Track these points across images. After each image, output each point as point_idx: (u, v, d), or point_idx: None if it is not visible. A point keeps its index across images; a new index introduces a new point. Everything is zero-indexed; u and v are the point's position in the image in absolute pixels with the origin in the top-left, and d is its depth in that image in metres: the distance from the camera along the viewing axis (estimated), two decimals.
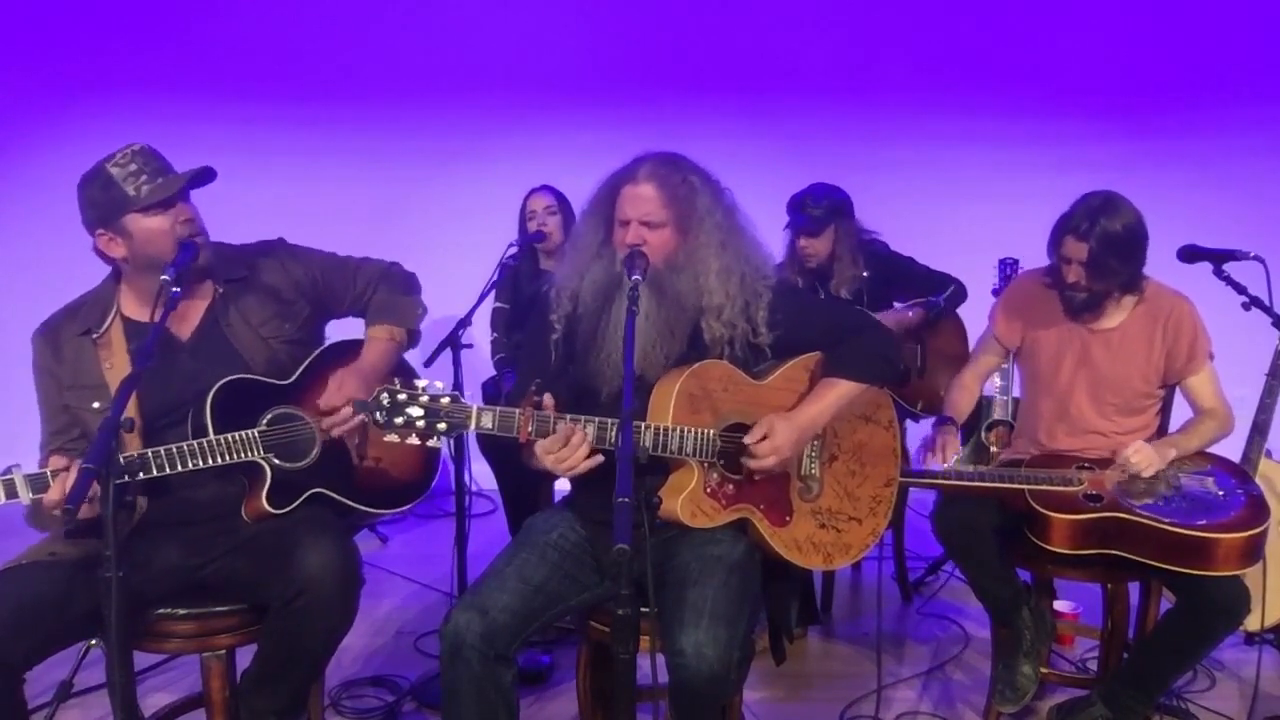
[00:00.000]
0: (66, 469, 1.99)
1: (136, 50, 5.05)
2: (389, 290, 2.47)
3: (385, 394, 1.88)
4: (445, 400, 1.90)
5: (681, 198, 2.11)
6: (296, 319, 2.35)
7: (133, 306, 2.26)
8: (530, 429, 1.95)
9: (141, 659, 2.53)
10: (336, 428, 2.22)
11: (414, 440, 1.90)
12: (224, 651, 2.22)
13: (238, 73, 5.07)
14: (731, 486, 2.12)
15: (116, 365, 2.19)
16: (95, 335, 2.21)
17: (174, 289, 2.10)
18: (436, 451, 2.48)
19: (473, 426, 1.92)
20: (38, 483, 1.99)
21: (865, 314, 3.43)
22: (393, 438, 1.89)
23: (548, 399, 1.99)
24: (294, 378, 2.30)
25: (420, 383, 1.91)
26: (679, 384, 2.06)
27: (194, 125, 5.02)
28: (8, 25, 5.03)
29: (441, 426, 1.89)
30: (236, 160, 4.94)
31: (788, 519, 2.19)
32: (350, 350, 2.40)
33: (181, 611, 2.18)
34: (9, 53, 5.03)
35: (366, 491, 2.36)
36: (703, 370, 2.10)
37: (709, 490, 2.09)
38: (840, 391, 2.19)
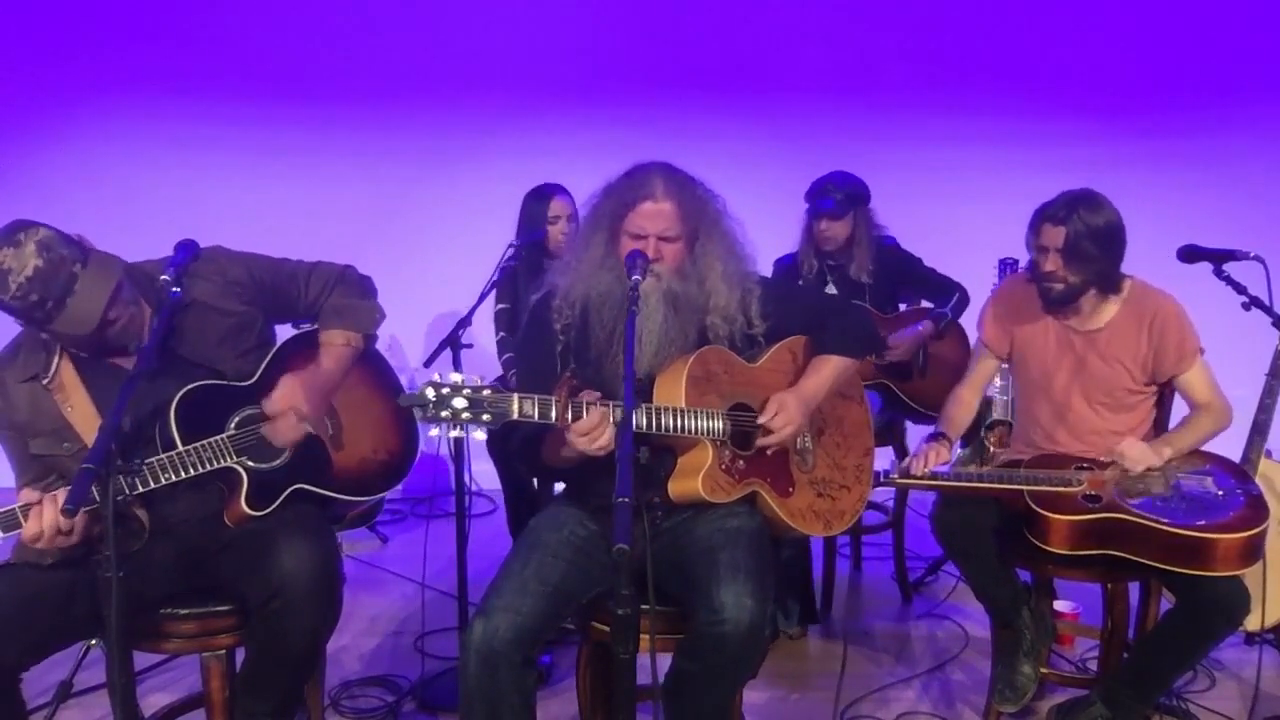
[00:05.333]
0: (39, 503, 1.96)
1: (137, 51, 5.05)
2: (344, 294, 2.40)
3: (431, 388, 1.91)
4: (487, 391, 1.94)
5: (695, 211, 2.23)
6: (253, 327, 2.31)
7: (67, 337, 2.14)
8: (568, 415, 2.00)
9: (141, 659, 2.54)
10: (279, 437, 2.18)
11: (457, 433, 1.94)
12: (224, 651, 2.23)
13: (237, 72, 5.07)
14: (742, 462, 2.22)
15: (76, 404, 2.13)
16: (45, 381, 2.13)
17: (174, 289, 2.10)
18: (415, 429, 2.51)
19: (515, 414, 1.96)
20: (7, 520, 1.97)
21: (840, 298, 3.48)
22: (436, 431, 1.93)
23: (589, 393, 2.05)
24: (256, 377, 2.27)
25: (457, 376, 1.94)
26: (686, 369, 2.16)
27: (194, 125, 5.05)
28: (5, 26, 5.03)
29: (486, 417, 1.93)
30: (236, 160, 5.03)
31: (791, 490, 2.29)
32: (309, 343, 2.37)
33: (182, 611, 2.19)
34: (7, 53, 5.03)
35: (348, 480, 2.36)
36: (704, 355, 2.22)
37: (724, 467, 2.19)
38: (834, 366, 2.35)
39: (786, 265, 3.77)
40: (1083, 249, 2.56)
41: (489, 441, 3.49)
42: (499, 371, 3.82)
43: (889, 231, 3.80)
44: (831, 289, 3.69)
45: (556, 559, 2.16)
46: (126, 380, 1.93)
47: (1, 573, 2.09)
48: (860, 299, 3.62)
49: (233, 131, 5.04)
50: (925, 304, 3.78)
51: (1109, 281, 2.66)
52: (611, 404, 2.04)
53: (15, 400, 2.15)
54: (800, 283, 3.67)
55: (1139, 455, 2.57)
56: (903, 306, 3.83)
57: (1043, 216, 2.62)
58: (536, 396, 1.99)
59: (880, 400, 3.63)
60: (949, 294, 3.67)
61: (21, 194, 4.83)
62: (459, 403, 1.91)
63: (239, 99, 5.06)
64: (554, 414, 2.00)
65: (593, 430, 1.99)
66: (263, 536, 2.13)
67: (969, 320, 3.68)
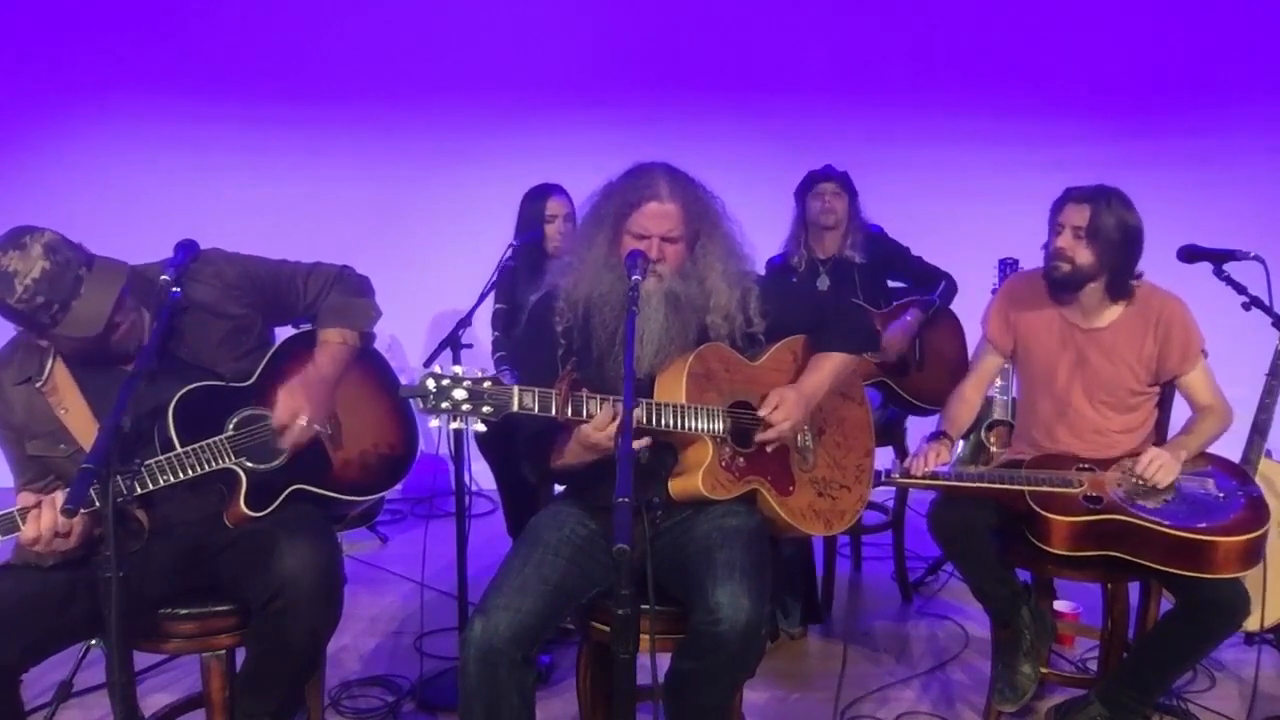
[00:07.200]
0: (37, 506, 1.95)
1: (136, 51, 5.05)
2: (342, 293, 2.41)
3: (431, 379, 1.93)
4: (487, 384, 1.95)
5: (698, 213, 2.25)
6: (252, 330, 2.31)
7: (70, 341, 2.12)
8: (567, 409, 2.01)
9: (141, 659, 2.53)
10: (290, 443, 2.18)
11: (457, 424, 1.97)
12: (224, 651, 2.22)
13: (237, 73, 5.07)
14: (742, 460, 2.23)
15: (71, 406, 2.13)
16: (38, 384, 2.13)
17: (174, 289, 2.10)
18: (415, 428, 2.52)
19: (515, 406, 1.97)
20: (6, 524, 1.96)
21: (839, 297, 3.52)
22: (437, 422, 1.94)
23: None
24: (254, 378, 2.27)
25: (458, 368, 1.96)
26: (687, 366, 2.18)
27: (193, 125, 5.05)
28: (5, 25, 5.03)
29: (486, 409, 1.94)
30: (236, 160, 5.03)
31: (791, 489, 2.30)
32: (307, 343, 2.38)
33: (182, 611, 2.19)
34: (6, 54, 5.03)
35: (347, 479, 2.36)
36: (705, 353, 2.23)
37: (723, 464, 2.19)
38: (834, 363, 2.37)
39: (777, 265, 3.78)
40: (1104, 233, 2.57)
41: (482, 441, 3.51)
42: (493, 370, 3.82)
43: (882, 226, 3.85)
44: (824, 280, 3.70)
45: (557, 558, 2.16)
46: (126, 380, 1.93)
47: (2, 573, 2.08)
48: (852, 283, 3.65)
49: (233, 131, 5.05)
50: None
51: (1119, 282, 2.65)
52: (612, 399, 2.04)
53: (11, 402, 2.15)
54: (794, 279, 3.69)
55: (1165, 470, 2.51)
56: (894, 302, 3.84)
57: (1069, 195, 2.64)
58: (537, 389, 2.00)
59: (879, 397, 3.64)
60: (936, 282, 3.72)
61: (20, 194, 4.83)
62: (459, 394, 1.93)
63: (238, 99, 5.06)
64: (554, 408, 2.00)
65: (610, 424, 2.02)
66: (264, 537, 2.13)
67: (964, 313, 3.70)
